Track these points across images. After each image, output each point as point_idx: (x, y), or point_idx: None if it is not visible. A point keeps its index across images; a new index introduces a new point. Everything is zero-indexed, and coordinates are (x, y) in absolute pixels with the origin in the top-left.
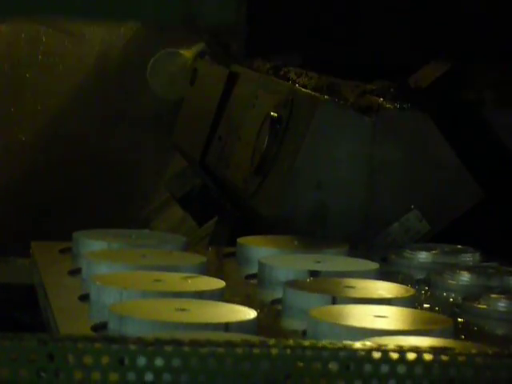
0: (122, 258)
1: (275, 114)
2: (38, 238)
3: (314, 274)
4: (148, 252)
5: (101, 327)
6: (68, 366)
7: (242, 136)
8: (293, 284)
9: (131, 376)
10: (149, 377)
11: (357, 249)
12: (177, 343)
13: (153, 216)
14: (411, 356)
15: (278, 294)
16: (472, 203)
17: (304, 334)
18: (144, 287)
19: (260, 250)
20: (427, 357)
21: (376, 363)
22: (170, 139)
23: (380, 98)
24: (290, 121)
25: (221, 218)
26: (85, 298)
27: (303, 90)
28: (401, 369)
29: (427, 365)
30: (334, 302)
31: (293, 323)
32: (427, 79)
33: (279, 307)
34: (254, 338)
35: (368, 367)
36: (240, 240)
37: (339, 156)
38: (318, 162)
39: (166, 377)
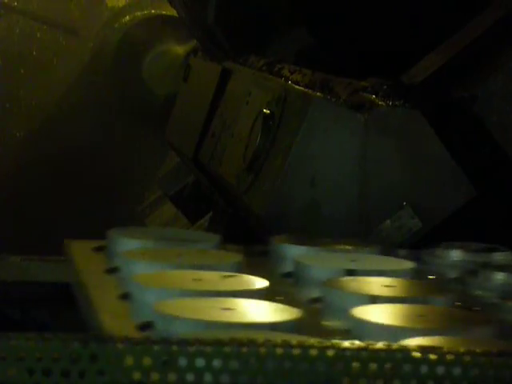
0: (160, 257)
1: (268, 111)
2: (33, 234)
3: (350, 272)
4: (184, 251)
5: (146, 326)
6: (110, 367)
7: (234, 133)
8: (332, 283)
9: (172, 377)
10: (190, 377)
11: (387, 248)
12: (220, 343)
13: (147, 212)
14: (450, 357)
15: (316, 293)
16: (464, 200)
17: (347, 333)
18: (186, 286)
19: (295, 249)
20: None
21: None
22: (164, 136)
23: (373, 95)
24: (282, 118)
25: (215, 215)
26: (125, 296)
27: (296, 87)
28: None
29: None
30: (374, 301)
31: (334, 322)
32: (420, 76)
33: (319, 306)
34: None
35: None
36: (274, 238)
37: (332, 153)
38: (311, 159)
39: (207, 377)
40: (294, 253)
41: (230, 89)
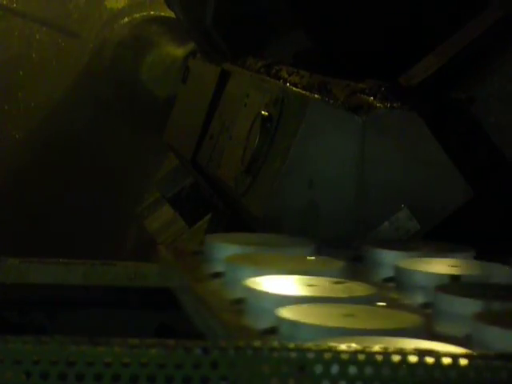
0: (267, 263)
1: (266, 113)
2: (32, 234)
3: (454, 278)
4: (286, 257)
5: (269, 332)
6: (234, 373)
7: (233, 135)
8: (444, 289)
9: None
10: None
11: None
12: (355, 352)
13: (145, 214)
14: None
15: (420, 299)
16: (462, 202)
17: (468, 338)
18: (301, 292)
19: (392, 254)
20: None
21: None
22: (163, 138)
23: (371, 97)
24: (280, 120)
25: (213, 217)
26: (239, 301)
27: (294, 88)
28: None
29: None
30: (489, 306)
31: (450, 328)
32: (418, 78)
33: (428, 311)
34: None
35: None
36: (370, 244)
37: (330, 155)
38: (309, 161)
39: None
40: (392, 258)
41: (229, 91)
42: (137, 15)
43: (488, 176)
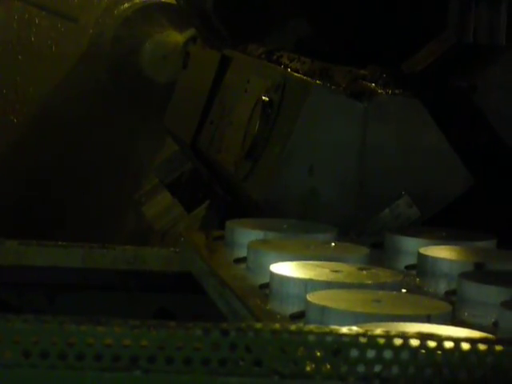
0: (289, 249)
1: (267, 99)
2: (27, 218)
3: (478, 266)
4: (310, 242)
5: (298, 316)
6: (269, 356)
7: (233, 120)
8: (468, 276)
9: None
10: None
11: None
12: (389, 336)
13: (143, 200)
14: None
15: (444, 286)
16: (462, 189)
17: (495, 325)
18: (327, 278)
19: (413, 241)
20: None
21: None
22: (162, 123)
23: (372, 83)
24: (281, 105)
25: (212, 203)
26: (264, 286)
27: (295, 74)
28: None
29: None
30: None
31: (476, 315)
32: (420, 65)
33: (453, 298)
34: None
35: None
36: (391, 232)
37: (330, 141)
38: (310, 147)
39: (378, 368)
40: (413, 246)
41: (229, 76)
42: (137, 1)
43: (489, 163)
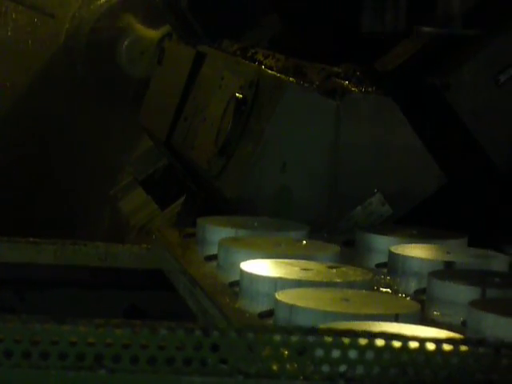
0: (260, 246)
1: (240, 96)
2: (4, 215)
3: (448, 264)
4: (280, 240)
5: (266, 315)
6: (235, 356)
7: (207, 117)
8: (438, 275)
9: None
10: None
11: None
12: (355, 335)
13: (119, 196)
14: None
15: (414, 285)
16: (435, 188)
17: (464, 324)
18: (296, 276)
19: (384, 239)
20: None
21: None
22: (137, 119)
23: (345, 81)
24: (255, 102)
25: (187, 200)
26: (234, 284)
27: (269, 71)
28: None
29: None
30: (484, 293)
31: (445, 314)
32: (393, 63)
33: (423, 297)
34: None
35: None
36: (362, 230)
37: (303, 139)
38: (283, 145)
39: (343, 368)
40: (384, 244)
41: (204, 72)
42: None
43: (462, 162)
